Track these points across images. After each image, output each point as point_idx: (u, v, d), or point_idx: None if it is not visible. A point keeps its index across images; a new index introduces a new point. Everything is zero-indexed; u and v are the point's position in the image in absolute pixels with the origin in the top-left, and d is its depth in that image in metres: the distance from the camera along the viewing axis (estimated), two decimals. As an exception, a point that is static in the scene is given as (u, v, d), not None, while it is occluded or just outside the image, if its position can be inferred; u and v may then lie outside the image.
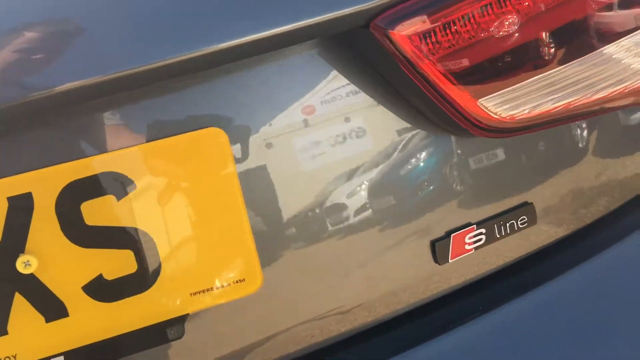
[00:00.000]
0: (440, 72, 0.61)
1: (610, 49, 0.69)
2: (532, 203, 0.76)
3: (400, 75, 0.62)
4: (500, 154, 0.74)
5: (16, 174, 0.57)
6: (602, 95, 0.69)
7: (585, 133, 0.80)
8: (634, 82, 0.71)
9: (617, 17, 0.72)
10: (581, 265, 0.77)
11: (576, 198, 0.80)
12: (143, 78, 0.55)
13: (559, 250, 0.80)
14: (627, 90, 0.72)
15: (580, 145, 0.80)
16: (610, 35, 0.69)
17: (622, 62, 0.71)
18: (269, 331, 0.67)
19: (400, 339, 0.71)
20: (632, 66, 0.72)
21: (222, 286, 0.64)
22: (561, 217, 0.79)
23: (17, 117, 0.56)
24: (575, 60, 0.66)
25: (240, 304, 0.65)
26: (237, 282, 0.64)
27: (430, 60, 0.61)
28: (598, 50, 0.68)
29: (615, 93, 0.70)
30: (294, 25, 0.56)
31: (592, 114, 0.73)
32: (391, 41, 0.59)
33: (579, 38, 0.67)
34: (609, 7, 0.69)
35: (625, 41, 0.70)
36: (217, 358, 0.65)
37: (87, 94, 0.55)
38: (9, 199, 0.57)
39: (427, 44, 0.60)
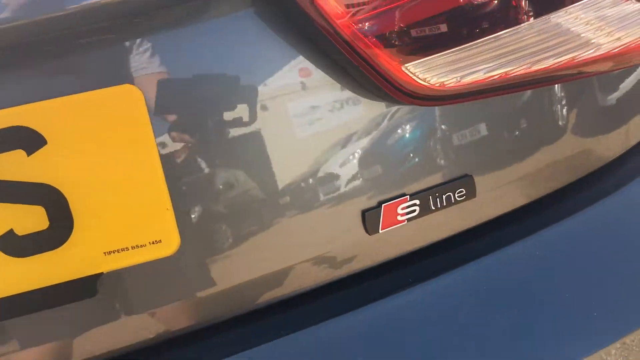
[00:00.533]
0: (363, 35, 0.59)
1: (556, 16, 0.65)
2: (471, 175, 0.73)
3: (324, 39, 0.60)
4: (442, 124, 0.72)
5: None
6: (544, 66, 0.66)
7: (536, 105, 0.77)
8: (584, 53, 0.68)
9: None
10: (520, 242, 0.75)
11: (520, 173, 0.77)
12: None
13: (500, 225, 0.77)
14: (575, 61, 0.68)
15: (530, 117, 0.77)
16: (557, 2, 0.65)
17: (571, 30, 0.67)
18: (183, 296, 0.66)
19: (324, 309, 0.70)
20: (582, 35, 0.68)
21: (137, 247, 0.63)
22: (503, 192, 0.77)
23: None
24: (514, 27, 0.62)
25: (156, 266, 0.64)
26: (152, 243, 0.63)
27: (351, 21, 0.58)
28: (542, 17, 0.64)
29: (560, 64, 0.67)
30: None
31: (545, 82, 0.70)
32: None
33: (520, 2, 0.63)
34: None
35: (573, 8, 0.66)
36: (129, 319, 0.65)
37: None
38: None
39: (350, 5, 0.58)
